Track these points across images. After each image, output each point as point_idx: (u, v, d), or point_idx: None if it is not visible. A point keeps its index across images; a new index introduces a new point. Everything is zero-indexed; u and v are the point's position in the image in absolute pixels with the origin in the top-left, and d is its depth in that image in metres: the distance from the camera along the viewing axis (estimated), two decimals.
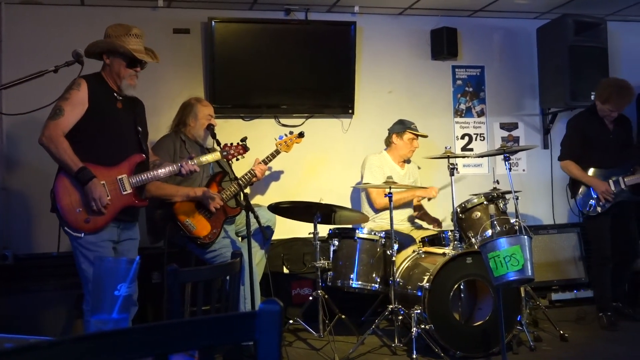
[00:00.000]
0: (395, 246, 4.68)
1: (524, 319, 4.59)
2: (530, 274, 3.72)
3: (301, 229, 5.44)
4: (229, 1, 5.75)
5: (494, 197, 4.95)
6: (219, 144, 4.46)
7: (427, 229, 5.58)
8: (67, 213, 3.63)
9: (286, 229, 5.55)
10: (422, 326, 4.32)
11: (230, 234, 4.73)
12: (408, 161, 5.69)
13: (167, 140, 4.76)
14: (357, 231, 4.89)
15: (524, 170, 6.64)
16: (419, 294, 4.42)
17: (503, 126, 6.64)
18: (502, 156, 4.83)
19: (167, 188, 4.52)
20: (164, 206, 4.54)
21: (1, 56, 5.37)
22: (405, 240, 5.18)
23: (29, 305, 4.83)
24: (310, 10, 6.03)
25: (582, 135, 5.33)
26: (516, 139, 6.64)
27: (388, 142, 5.65)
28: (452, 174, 4.84)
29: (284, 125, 5.98)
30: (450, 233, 4.90)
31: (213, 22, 5.66)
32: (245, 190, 4.82)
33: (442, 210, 5.86)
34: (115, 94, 3.84)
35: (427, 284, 4.35)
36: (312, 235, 4.84)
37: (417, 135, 5.55)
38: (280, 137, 5.12)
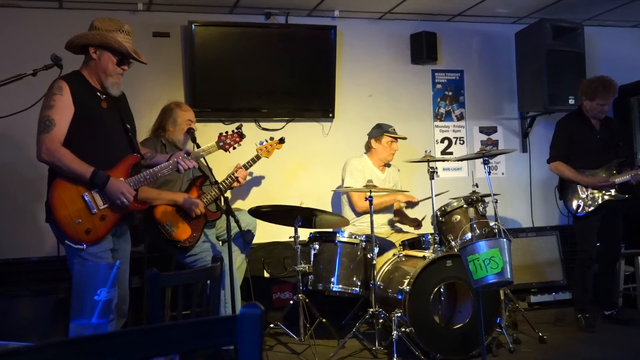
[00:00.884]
0: (376, 249, 4.69)
1: (504, 321, 4.62)
2: (509, 276, 3.74)
3: (282, 233, 5.44)
4: (209, 5, 5.73)
5: (474, 200, 4.98)
6: (198, 147, 4.43)
7: (408, 232, 5.60)
8: (66, 226, 3.41)
9: (267, 232, 5.54)
10: (403, 329, 4.34)
11: (210, 238, 4.72)
12: (388, 165, 5.71)
13: (148, 144, 4.73)
14: (337, 235, 4.89)
15: (503, 173, 6.70)
16: (400, 297, 4.43)
17: (482, 130, 6.69)
18: (481, 160, 4.85)
19: (148, 191, 4.48)
20: (143, 209, 4.51)
21: None
22: (386, 244, 5.20)
23: (6, 312, 4.78)
24: (290, 14, 6.04)
25: (570, 136, 5.38)
26: (495, 143, 6.70)
27: (368, 147, 5.67)
28: (432, 178, 4.86)
29: (264, 129, 5.97)
30: (430, 236, 4.91)
31: (193, 26, 5.64)
32: (226, 194, 4.81)
33: (422, 214, 5.87)
34: (98, 93, 3.60)
35: (408, 287, 4.36)
36: (292, 239, 4.84)
37: (396, 138, 5.57)
38: (261, 143, 5.12)
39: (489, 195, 4.79)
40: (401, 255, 4.88)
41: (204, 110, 5.68)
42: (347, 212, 5.53)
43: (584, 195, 5.25)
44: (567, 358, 4.61)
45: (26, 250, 5.28)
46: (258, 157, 5.07)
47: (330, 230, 5.12)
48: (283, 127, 6.04)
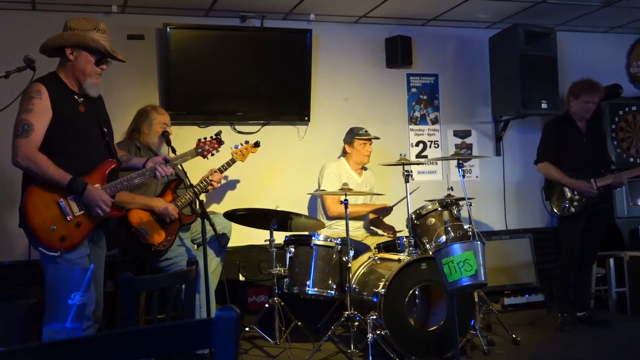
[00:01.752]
0: (351, 253, 4.70)
1: (478, 323, 4.65)
2: (483, 279, 3.77)
3: (257, 236, 5.43)
4: (184, 7, 5.71)
5: (448, 203, 5.01)
6: (174, 151, 4.41)
7: (383, 235, 5.63)
8: (40, 233, 3.33)
9: (242, 236, 5.53)
10: (378, 332, 4.35)
11: (185, 242, 4.69)
12: (365, 168, 5.73)
13: (122, 147, 4.69)
14: (313, 238, 4.89)
15: (477, 177, 6.75)
16: (375, 300, 4.44)
17: (456, 133, 6.73)
18: (456, 163, 4.89)
19: (122, 195, 4.41)
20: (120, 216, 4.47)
21: None
22: (361, 247, 5.21)
23: None
24: (266, 17, 6.03)
25: (558, 138, 5.44)
26: (469, 146, 6.75)
27: (343, 152, 5.69)
28: (407, 181, 4.87)
29: (239, 132, 5.96)
30: (405, 239, 4.93)
31: (168, 28, 5.61)
32: (201, 198, 4.79)
33: (396, 217, 5.89)
34: (76, 97, 3.51)
35: (383, 290, 4.37)
36: (268, 242, 4.83)
37: (369, 139, 5.59)
38: (236, 147, 5.11)
39: (463, 198, 4.82)
40: (376, 258, 4.90)
41: (179, 114, 5.65)
42: (323, 216, 5.54)
43: (569, 197, 5.32)
44: (539, 359, 4.66)
45: None
46: (233, 161, 5.06)
47: (306, 233, 5.12)
48: (258, 130, 6.03)
